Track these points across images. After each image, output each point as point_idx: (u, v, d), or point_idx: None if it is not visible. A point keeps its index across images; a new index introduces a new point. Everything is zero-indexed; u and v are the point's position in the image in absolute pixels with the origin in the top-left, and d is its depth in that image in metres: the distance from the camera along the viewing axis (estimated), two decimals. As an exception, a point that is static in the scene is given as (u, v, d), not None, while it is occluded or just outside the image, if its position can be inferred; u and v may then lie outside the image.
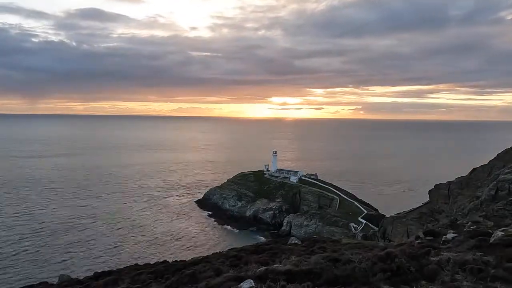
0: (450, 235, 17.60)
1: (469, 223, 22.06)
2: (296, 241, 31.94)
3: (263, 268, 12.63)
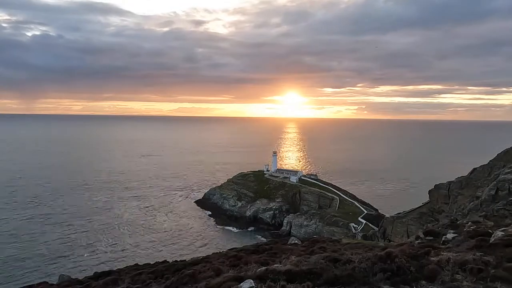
0: (450, 235, 17.61)
1: (469, 223, 22.05)
2: (296, 241, 31.91)
3: (263, 268, 12.62)
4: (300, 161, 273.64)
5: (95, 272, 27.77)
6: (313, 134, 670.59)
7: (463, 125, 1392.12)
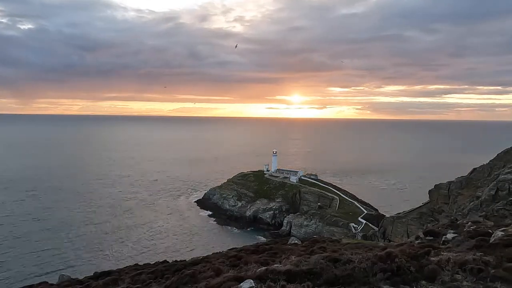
0: (450, 235, 17.60)
1: (469, 223, 22.04)
2: (296, 241, 31.92)
3: (263, 268, 12.62)
4: (300, 161, 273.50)
5: (95, 272, 27.73)
6: (313, 134, 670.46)
7: (465, 125, 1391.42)
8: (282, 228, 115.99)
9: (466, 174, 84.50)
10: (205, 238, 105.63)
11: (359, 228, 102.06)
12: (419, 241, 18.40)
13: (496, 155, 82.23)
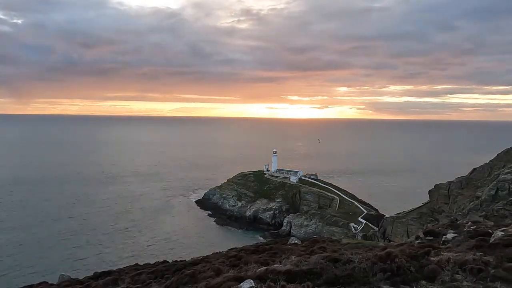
0: (450, 235, 17.59)
1: (469, 223, 22.03)
2: (296, 241, 31.89)
3: (263, 268, 12.62)
4: (300, 161, 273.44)
5: (95, 272, 27.67)
6: (314, 134, 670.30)
7: (466, 125, 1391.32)
8: (282, 228, 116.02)
9: (466, 174, 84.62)
10: (205, 238, 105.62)
11: (359, 228, 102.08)
12: (419, 241, 18.39)
13: (496, 155, 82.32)
